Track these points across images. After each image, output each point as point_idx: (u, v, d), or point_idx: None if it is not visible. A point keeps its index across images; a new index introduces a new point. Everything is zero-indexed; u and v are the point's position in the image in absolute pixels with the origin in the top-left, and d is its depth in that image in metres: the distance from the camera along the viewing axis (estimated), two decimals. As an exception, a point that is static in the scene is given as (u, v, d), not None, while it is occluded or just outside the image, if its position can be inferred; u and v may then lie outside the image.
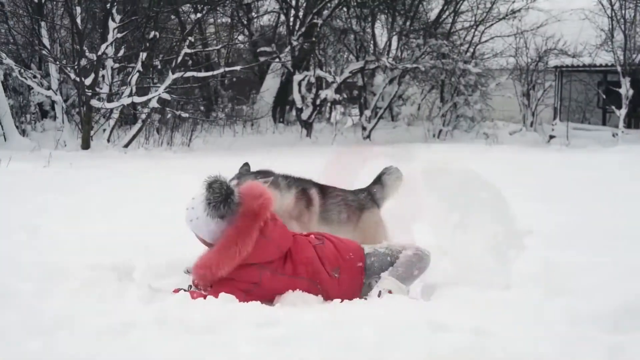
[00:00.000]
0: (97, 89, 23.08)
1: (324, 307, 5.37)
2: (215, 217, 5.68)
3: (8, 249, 7.11)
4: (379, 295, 5.70)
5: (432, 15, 34.47)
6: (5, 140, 21.88)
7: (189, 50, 25.14)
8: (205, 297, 5.36)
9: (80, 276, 5.90)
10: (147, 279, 6.33)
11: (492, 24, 34.62)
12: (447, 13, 34.38)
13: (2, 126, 22.20)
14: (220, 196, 5.66)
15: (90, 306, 5.11)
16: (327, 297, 5.79)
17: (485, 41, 34.75)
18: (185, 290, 5.62)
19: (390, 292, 5.74)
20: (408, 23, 32.41)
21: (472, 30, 34.67)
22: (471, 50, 34.19)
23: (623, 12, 29.59)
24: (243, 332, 4.52)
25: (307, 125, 30.11)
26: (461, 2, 34.07)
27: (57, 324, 4.68)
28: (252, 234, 5.58)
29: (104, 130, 23.94)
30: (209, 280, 5.54)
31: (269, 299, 5.62)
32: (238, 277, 5.57)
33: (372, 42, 32.49)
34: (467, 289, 5.73)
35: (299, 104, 30.12)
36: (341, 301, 5.61)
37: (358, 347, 4.25)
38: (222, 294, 5.36)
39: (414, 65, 30.07)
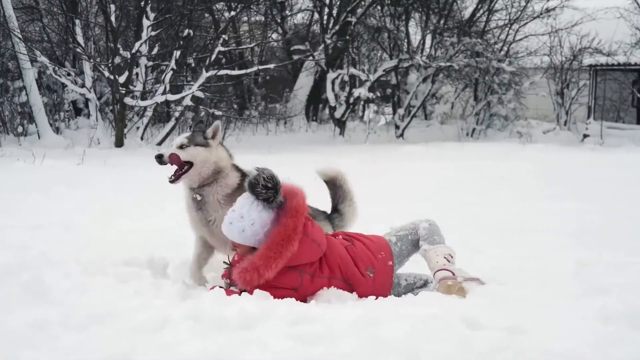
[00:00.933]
0: (131, 87, 23.23)
1: (358, 304, 5.35)
2: (275, 202, 5.59)
3: (44, 245, 7.16)
4: (448, 261, 5.88)
5: (466, 13, 34.48)
6: (39, 137, 22.08)
7: (222, 49, 25.17)
8: (239, 294, 5.37)
9: (115, 272, 5.95)
10: (181, 276, 6.38)
11: (526, 23, 34.50)
12: (481, 11, 34.33)
13: (36, 124, 22.42)
14: (273, 176, 5.59)
15: (126, 302, 5.14)
16: (360, 297, 5.77)
17: (520, 40, 34.63)
18: (220, 287, 5.62)
19: (451, 255, 5.94)
20: (442, 21, 32.47)
21: (507, 28, 34.50)
22: (505, 48, 34.03)
23: (659, 10, 29.43)
24: (277, 329, 4.52)
25: (340, 124, 30.14)
26: (495, 0, 33.94)
27: (93, 319, 4.72)
28: (298, 230, 5.52)
29: (138, 128, 24.10)
30: (255, 284, 5.43)
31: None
32: (279, 283, 5.51)
33: (406, 40, 32.38)
34: (501, 287, 5.72)
35: (332, 102, 30.15)
36: (375, 298, 5.61)
37: (392, 345, 4.24)
38: (257, 291, 5.36)
39: (448, 64, 30.02)
